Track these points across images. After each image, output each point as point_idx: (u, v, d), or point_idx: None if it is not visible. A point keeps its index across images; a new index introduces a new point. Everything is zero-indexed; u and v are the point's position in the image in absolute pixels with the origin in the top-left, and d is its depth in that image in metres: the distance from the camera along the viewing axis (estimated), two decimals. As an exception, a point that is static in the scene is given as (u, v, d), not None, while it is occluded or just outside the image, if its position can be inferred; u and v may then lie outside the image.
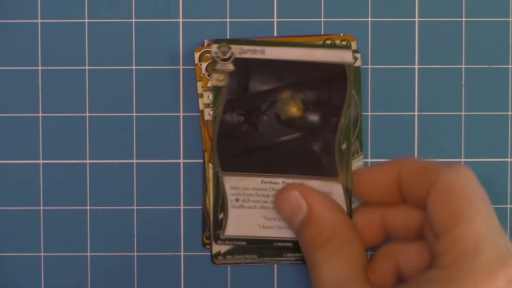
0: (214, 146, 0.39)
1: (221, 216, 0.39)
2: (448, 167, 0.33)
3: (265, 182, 0.39)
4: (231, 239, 0.39)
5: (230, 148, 0.39)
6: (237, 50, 0.39)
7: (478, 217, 0.30)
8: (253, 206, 0.39)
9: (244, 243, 0.40)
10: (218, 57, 0.39)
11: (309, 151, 0.39)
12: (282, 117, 0.40)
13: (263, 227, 0.40)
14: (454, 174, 0.32)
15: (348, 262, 0.34)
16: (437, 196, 0.32)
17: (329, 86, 0.39)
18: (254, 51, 0.39)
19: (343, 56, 0.39)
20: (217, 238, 0.39)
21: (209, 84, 0.40)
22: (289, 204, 0.37)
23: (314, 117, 0.40)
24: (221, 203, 0.39)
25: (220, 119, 0.39)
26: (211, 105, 0.40)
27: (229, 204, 0.39)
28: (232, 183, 0.39)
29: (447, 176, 0.32)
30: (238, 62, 0.39)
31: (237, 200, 0.39)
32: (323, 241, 0.35)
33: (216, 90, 0.39)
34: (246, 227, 0.39)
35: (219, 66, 0.39)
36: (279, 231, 0.40)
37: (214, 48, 0.39)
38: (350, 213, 0.39)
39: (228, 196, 0.39)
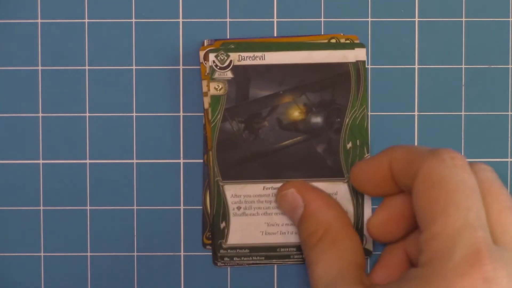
0: (213, 155, 0.39)
1: (223, 225, 0.39)
2: (432, 154, 0.30)
3: (267, 188, 0.39)
4: (233, 248, 0.39)
5: (230, 156, 0.39)
6: (235, 58, 0.39)
7: (455, 212, 0.28)
8: (255, 213, 0.39)
9: (247, 251, 0.40)
10: (216, 65, 0.39)
11: (313, 153, 0.39)
12: (283, 122, 0.40)
13: (266, 234, 0.40)
14: (436, 162, 0.30)
15: (340, 259, 0.34)
16: (418, 188, 0.30)
17: (333, 86, 0.39)
18: (254, 57, 0.39)
19: (346, 56, 0.39)
20: (219, 248, 0.39)
21: (204, 89, 0.40)
22: (287, 201, 0.37)
23: (317, 119, 0.40)
24: (222, 212, 0.39)
25: (219, 127, 0.39)
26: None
27: (231, 212, 0.39)
28: (233, 191, 0.39)
29: (429, 165, 0.30)
30: (236, 69, 0.39)
31: (238, 208, 0.39)
32: (317, 239, 0.35)
33: (214, 99, 0.39)
34: (248, 234, 0.39)
35: (217, 74, 0.39)
36: (283, 237, 0.39)
37: (211, 57, 0.39)
38: (358, 212, 0.39)
39: (229, 204, 0.39)
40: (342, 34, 0.40)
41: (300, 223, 0.36)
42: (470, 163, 0.31)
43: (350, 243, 0.35)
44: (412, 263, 0.36)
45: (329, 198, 0.37)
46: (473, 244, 0.27)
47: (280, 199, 0.38)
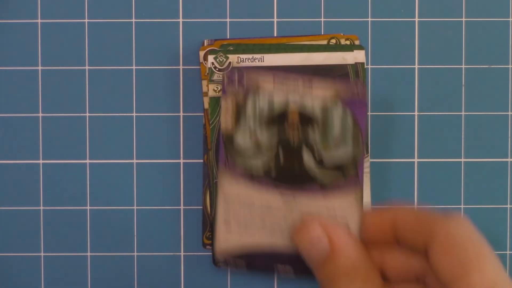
0: (213, 156, 0.39)
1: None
2: (447, 219, 0.33)
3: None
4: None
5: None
6: (234, 59, 0.39)
7: (488, 265, 0.31)
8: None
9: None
10: (215, 67, 0.39)
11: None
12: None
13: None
14: (454, 225, 0.33)
15: None
16: (442, 247, 0.32)
17: None
18: (253, 59, 0.39)
19: (345, 58, 0.39)
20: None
21: (204, 89, 0.40)
22: (309, 238, 0.36)
23: None
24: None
25: (218, 129, 0.39)
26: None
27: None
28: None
29: (448, 227, 0.33)
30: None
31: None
32: (347, 278, 0.34)
33: (213, 100, 0.39)
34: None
35: (216, 76, 0.39)
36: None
37: (210, 58, 0.39)
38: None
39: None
40: (342, 34, 0.40)
41: (324, 261, 0.35)
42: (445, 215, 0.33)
43: (377, 283, 0.35)
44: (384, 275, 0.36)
45: (354, 236, 0.36)
46: None
47: (300, 235, 0.36)
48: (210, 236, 0.40)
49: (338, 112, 0.38)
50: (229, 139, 0.39)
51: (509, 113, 0.41)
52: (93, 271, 0.41)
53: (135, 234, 0.41)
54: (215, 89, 0.39)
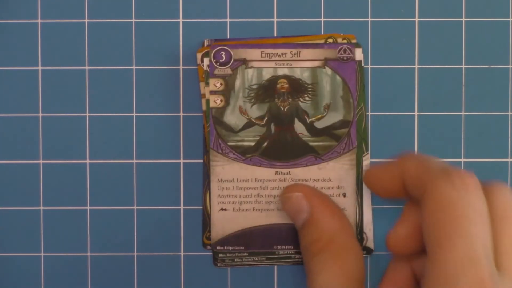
0: (210, 158, 0.39)
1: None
2: (443, 174, 0.30)
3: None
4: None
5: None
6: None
7: (461, 240, 0.28)
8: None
9: (246, 254, 0.40)
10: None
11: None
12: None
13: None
14: (445, 184, 0.29)
15: (343, 274, 0.33)
16: (425, 209, 0.30)
17: None
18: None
19: None
20: (218, 251, 0.39)
21: (202, 91, 0.40)
22: (292, 204, 0.36)
23: None
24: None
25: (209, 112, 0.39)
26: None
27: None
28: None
29: (438, 186, 0.29)
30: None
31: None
32: (320, 248, 0.34)
33: (209, 103, 0.39)
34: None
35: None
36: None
37: (206, 61, 0.39)
38: (357, 211, 0.39)
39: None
40: (341, 34, 0.40)
41: (303, 228, 0.36)
42: (488, 184, 0.31)
43: (353, 257, 0.34)
44: (417, 280, 0.35)
45: (335, 207, 0.36)
46: (477, 278, 0.27)
47: (285, 200, 0.37)
48: (210, 236, 0.40)
49: (328, 77, 0.38)
50: (219, 120, 0.39)
51: (509, 113, 0.41)
52: (93, 271, 0.41)
53: (135, 234, 0.41)
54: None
